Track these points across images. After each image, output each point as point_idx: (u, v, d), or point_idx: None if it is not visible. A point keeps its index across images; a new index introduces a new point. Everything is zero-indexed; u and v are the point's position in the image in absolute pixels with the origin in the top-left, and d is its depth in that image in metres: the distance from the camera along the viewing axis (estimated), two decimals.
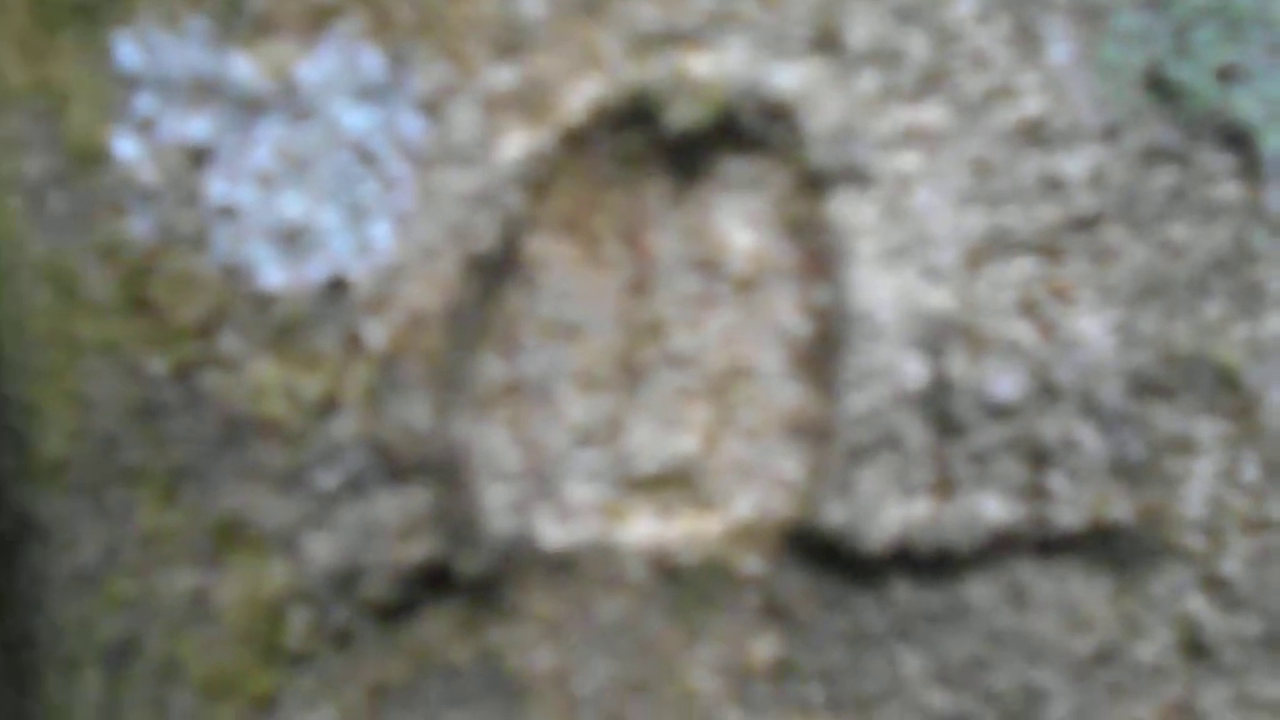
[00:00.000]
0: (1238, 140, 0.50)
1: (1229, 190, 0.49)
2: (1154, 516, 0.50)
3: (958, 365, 0.49)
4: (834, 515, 0.50)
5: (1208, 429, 0.50)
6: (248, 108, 0.50)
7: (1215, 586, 0.51)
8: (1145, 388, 0.50)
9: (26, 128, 0.52)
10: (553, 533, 0.52)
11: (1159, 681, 0.51)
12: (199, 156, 0.50)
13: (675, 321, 0.51)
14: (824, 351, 0.50)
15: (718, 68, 0.49)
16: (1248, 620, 0.51)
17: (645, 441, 0.52)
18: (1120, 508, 0.50)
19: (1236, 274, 0.50)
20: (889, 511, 0.50)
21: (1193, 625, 0.51)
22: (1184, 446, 0.50)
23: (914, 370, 0.49)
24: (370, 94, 0.49)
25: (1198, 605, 0.51)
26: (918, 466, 0.50)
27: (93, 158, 0.51)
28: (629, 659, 0.52)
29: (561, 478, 0.52)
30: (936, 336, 0.49)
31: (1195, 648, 0.51)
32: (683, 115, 0.49)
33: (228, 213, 0.50)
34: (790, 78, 0.49)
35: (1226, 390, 0.50)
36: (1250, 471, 0.50)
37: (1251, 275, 0.50)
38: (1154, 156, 0.49)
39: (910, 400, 0.49)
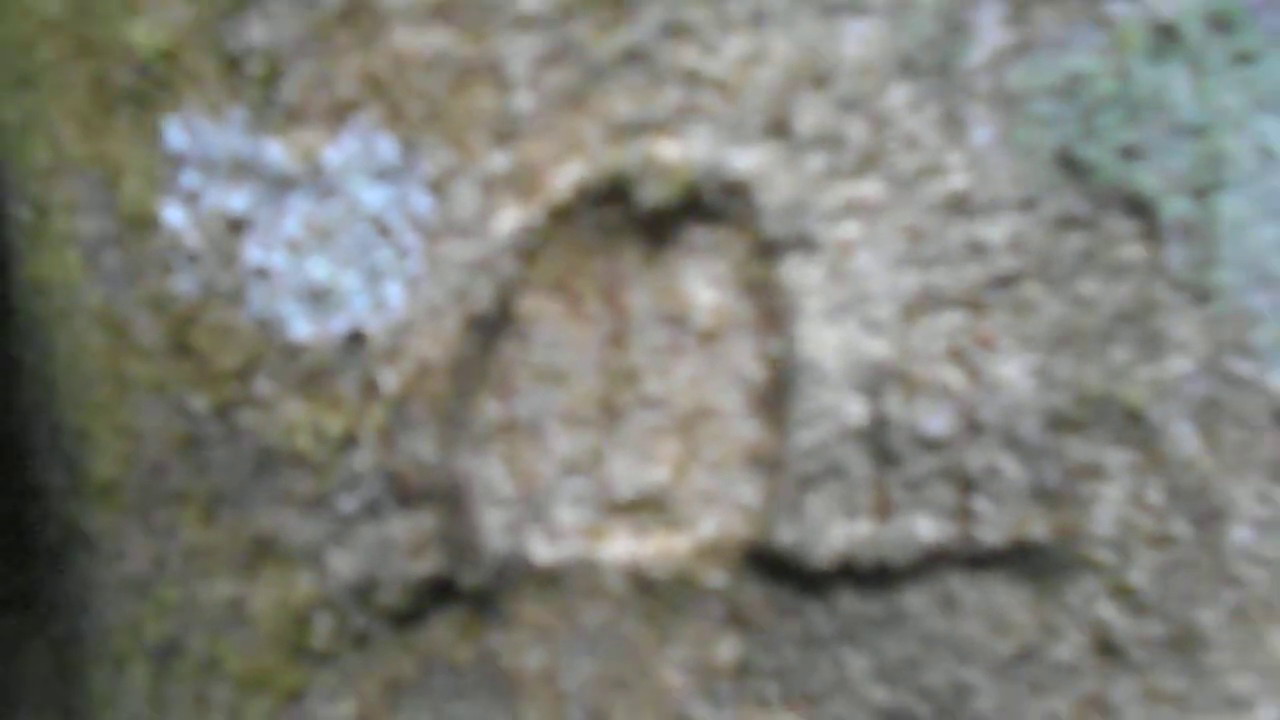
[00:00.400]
0: (1140, 208, 0.52)
1: (1133, 251, 0.52)
2: (1069, 534, 0.53)
3: (894, 405, 0.52)
4: (786, 535, 0.53)
5: (1116, 458, 0.53)
6: (280, 185, 0.53)
7: (1124, 595, 0.54)
8: (1060, 423, 0.53)
9: (84, 193, 0.56)
10: (542, 550, 0.54)
11: (1074, 679, 0.54)
12: (237, 225, 0.53)
13: (648, 368, 0.53)
14: (777, 394, 0.53)
15: (684, 152, 0.51)
16: (1153, 624, 0.54)
17: (623, 472, 0.54)
18: (1038, 527, 0.53)
19: (1140, 324, 0.52)
20: (834, 531, 0.53)
21: (1104, 628, 0.54)
22: (1095, 473, 0.53)
23: (856, 410, 0.52)
24: (385, 175, 0.52)
25: (1108, 611, 0.54)
26: (859, 492, 0.53)
27: (143, 223, 0.55)
28: (609, 659, 0.54)
29: (550, 503, 0.54)
30: (875, 381, 0.52)
31: (1106, 648, 0.54)
32: (653, 193, 0.51)
33: (262, 274, 0.53)
34: (746, 160, 0.51)
35: (1132, 425, 0.53)
36: (1154, 495, 0.53)
37: (1154, 325, 0.53)
38: (1066, 223, 0.52)
39: (852, 435, 0.52)
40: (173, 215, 0.54)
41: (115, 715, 0.61)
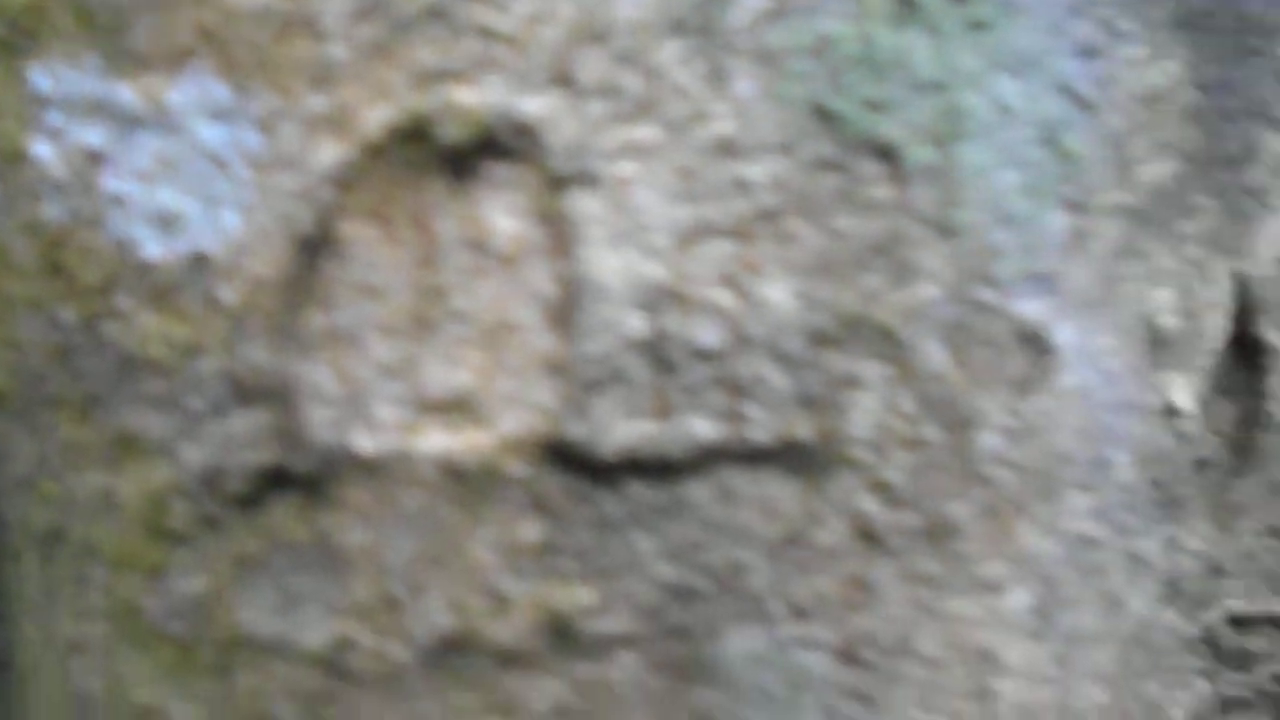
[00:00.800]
0: (886, 154, 0.55)
1: (882, 192, 0.55)
2: (830, 436, 0.56)
3: (671, 321, 0.55)
4: (577, 431, 0.56)
5: (872, 371, 0.56)
6: (130, 123, 0.56)
7: (881, 489, 0.57)
8: (821, 339, 0.56)
9: None
10: (365, 443, 0.57)
11: (838, 561, 0.57)
12: (96, 159, 0.57)
13: (455, 287, 0.56)
14: (568, 310, 0.56)
15: (479, 98, 0.54)
16: (908, 515, 0.57)
17: (434, 376, 0.56)
18: (803, 429, 0.56)
19: (890, 255, 0.56)
20: (620, 429, 0.55)
21: (864, 518, 0.57)
22: (853, 384, 0.56)
23: (636, 324, 0.55)
24: (221, 115, 0.55)
25: (867, 503, 0.57)
26: (641, 396, 0.55)
27: (16, 157, 0.59)
28: (426, 539, 0.57)
29: (370, 402, 0.57)
30: (654, 299, 0.55)
31: (866, 535, 0.57)
32: (453, 133, 0.54)
33: (118, 201, 0.57)
34: (535, 105, 0.54)
35: (886, 342, 0.56)
36: (907, 404, 0.56)
37: (903, 256, 0.56)
38: (822, 166, 0.55)
39: (634, 346, 0.55)
40: (41, 150, 0.58)
41: (19, 607, 0.65)
